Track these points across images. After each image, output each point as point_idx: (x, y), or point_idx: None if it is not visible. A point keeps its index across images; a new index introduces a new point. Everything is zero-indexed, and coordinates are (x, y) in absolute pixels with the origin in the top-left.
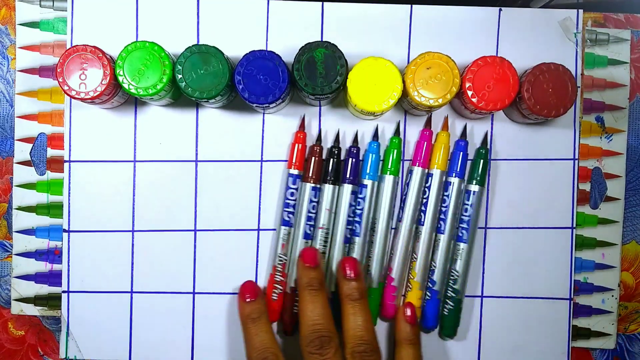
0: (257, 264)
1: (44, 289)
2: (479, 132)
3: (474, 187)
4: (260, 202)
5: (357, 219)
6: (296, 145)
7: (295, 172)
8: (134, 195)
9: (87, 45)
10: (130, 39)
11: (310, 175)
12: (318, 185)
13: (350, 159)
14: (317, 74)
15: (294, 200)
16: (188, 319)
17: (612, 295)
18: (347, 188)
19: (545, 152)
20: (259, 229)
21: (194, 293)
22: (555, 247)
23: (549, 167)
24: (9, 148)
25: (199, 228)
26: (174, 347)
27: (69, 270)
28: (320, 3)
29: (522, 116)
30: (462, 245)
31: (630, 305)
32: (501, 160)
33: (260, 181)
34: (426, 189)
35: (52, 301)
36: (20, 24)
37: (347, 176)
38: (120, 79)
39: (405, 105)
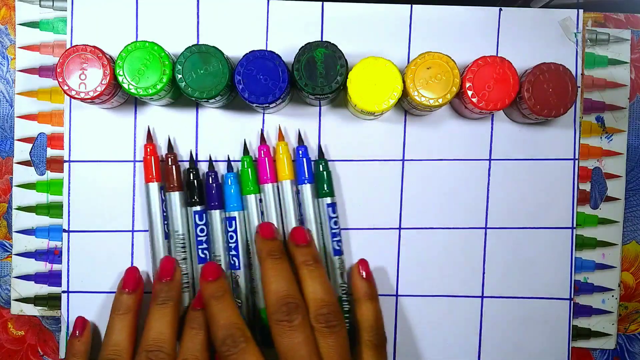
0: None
1: (44, 289)
2: (479, 132)
3: (328, 200)
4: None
5: (233, 252)
6: (149, 158)
7: (156, 184)
8: (134, 195)
9: (87, 45)
10: (130, 39)
11: (173, 185)
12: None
13: (212, 185)
14: (317, 74)
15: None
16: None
17: (612, 296)
18: (215, 214)
19: (546, 152)
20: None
21: (194, 293)
22: (555, 247)
23: (549, 167)
24: (8, 148)
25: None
26: None
27: (68, 271)
28: (320, 3)
29: (523, 116)
30: (341, 258)
31: (631, 305)
32: (501, 160)
33: None
34: (282, 202)
35: (52, 301)
36: (20, 24)
37: (213, 203)
38: (120, 78)
39: (405, 105)
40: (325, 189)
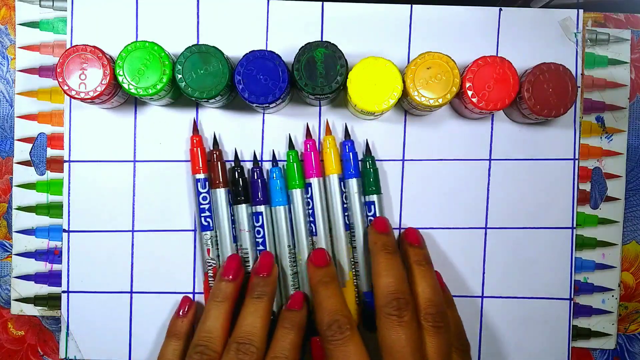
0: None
1: (44, 289)
2: (479, 132)
3: (373, 197)
4: None
5: (260, 247)
6: (195, 149)
7: (202, 175)
8: (134, 195)
9: (87, 45)
10: (130, 39)
11: (219, 181)
12: (227, 188)
13: (257, 181)
14: (317, 74)
15: (208, 204)
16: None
17: (612, 295)
18: (260, 208)
19: (546, 152)
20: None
21: (194, 293)
22: (555, 247)
23: (549, 167)
24: (8, 148)
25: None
26: None
27: (68, 271)
28: (320, 3)
29: (523, 116)
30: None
31: (631, 305)
32: (501, 160)
33: None
34: (329, 196)
35: (52, 301)
36: (20, 24)
37: (258, 198)
38: (120, 78)
39: (405, 105)
40: (373, 186)
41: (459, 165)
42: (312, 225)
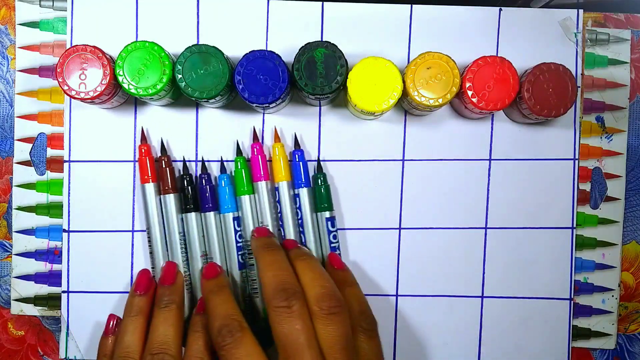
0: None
1: (44, 289)
2: (479, 132)
3: (327, 214)
4: None
5: (243, 251)
6: (145, 159)
7: (152, 185)
8: (133, 196)
9: (87, 45)
10: (130, 39)
11: (168, 187)
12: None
13: (205, 188)
14: (317, 74)
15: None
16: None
17: (612, 296)
18: (210, 216)
19: (546, 152)
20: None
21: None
22: (555, 247)
23: (549, 167)
24: (8, 148)
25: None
26: None
27: (68, 271)
28: (320, 3)
29: (523, 116)
30: None
31: (631, 306)
32: (501, 160)
33: None
34: (277, 204)
35: (52, 301)
36: (20, 24)
37: (208, 205)
38: (120, 78)
39: (405, 105)
40: (325, 203)
41: (459, 165)
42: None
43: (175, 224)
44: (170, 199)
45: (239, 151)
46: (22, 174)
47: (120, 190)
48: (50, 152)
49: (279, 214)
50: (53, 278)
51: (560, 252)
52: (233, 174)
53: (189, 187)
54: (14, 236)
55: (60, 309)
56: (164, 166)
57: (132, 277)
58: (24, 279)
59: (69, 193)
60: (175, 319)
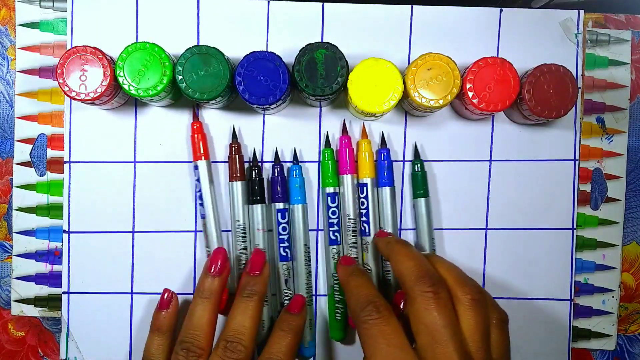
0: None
1: (44, 290)
2: (479, 133)
3: (421, 201)
4: None
5: (285, 244)
6: (196, 136)
7: (204, 162)
8: (134, 196)
9: (87, 46)
10: (130, 40)
11: (236, 174)
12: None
13: (277, 179)
14: (318, 75)
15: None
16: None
17: (613, 296)
18: (276, 206)
19: (546, 153)
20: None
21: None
22: (555, 248)
23: (550, 168)
24: (9, 149)
25: (199, 229)
26: None
27: (69, 271)
28: (321, 4)
29: (523, 117)
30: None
31: (631, 306)
32: (502, 161)
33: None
34: (363, 200)
35: (52, 302)
36: (20, 25)
37: (277, 196)
38: (120, 80)
39: (405, 106)
40: (421, 190)
41: (459, 166)
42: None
43: (240, 210)
44: (238, 186)
45: (327, 143)
46: (23, 174)
47: (120, 191)
48: (51, 153)
49: (365, 211)
50: (53, 279)
51: (561, 253)
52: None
53: (257, 178)
54: (14, 237)
55: (61, 310)
56: (233, 153)
57: (132, 278)
58: (24, 279)
59: (69, 194)
60: (255, 310)
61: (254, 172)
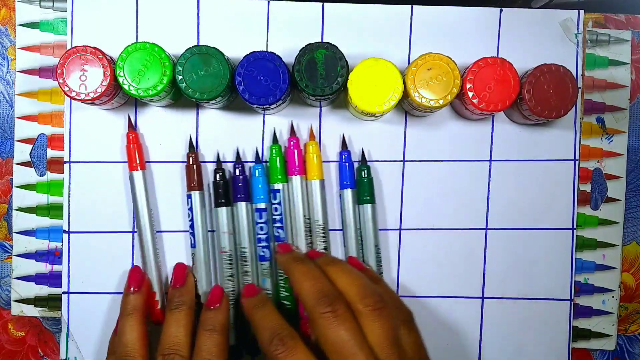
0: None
1: (44, 290)
2: (479, 133)
3: (368, 207)
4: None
5: (263, 244)
6: (131, 146)
7: (140, 172)
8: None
9: (87, 46)
10: (130, 40)
11: (195, 183)
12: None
13: (239, 178)
14: (318, 75)
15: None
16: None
17: (613, 296)
18: (242, 206)
19: (546, 153)
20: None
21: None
22: (555, 248)
23: (550, 168)
24: (9, 149)
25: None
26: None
27: (69, 271)
28: (321, 4)
29: (523, 117)
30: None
31: (631, 306)
32: (502, 161)
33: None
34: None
35: (52, 302)
36: (20, 25)
37: (239, 195)
38: (120, 80)
39: (405, 106)
40: (367, 195)
41: (459, 166)
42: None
43: (199, 218)
44: (196, 195)
45: (275, 139)
46: (23, 174)
47: (120, 191)
48: (51, 153)
49: (311, 212)
50: (53, 279)
51: (561, 253)
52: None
53: (222, 182)
54: (14, 237)
55: (61, 310)
56: (191, 163)
57: None
58: (24, 279)
59: (69, 194)
60: (186, 319)
61: (218, 175)
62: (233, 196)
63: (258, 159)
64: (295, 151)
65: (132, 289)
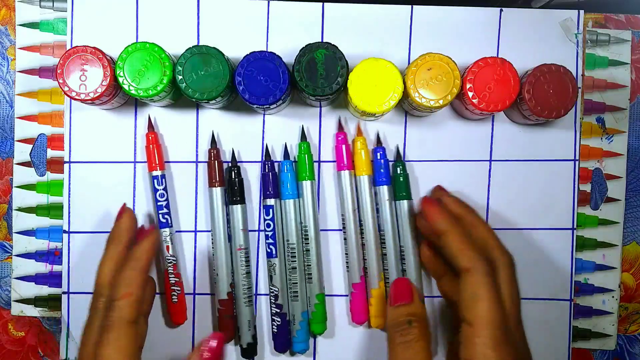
0: (257, 263)
1: (44, 290)
2: (479, 133)
3: (404, 203)
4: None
5: (270, 240)
6: (150, 146)
7: (159, 172)
8: (134, 197)
9: (87, 46)
10: (130, 40)
11: (215, 180)
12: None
13: (269, 175)
14: (318, 75)
15: (166, 201)
16: (189, 319)
17: (613, 296)
18: (270, 202)
19: (546, 153)
20: (258, 231)
21: (194, 294)
22: (555, 248)
23: (550, 168)
24: (9, 149)
25: (200, 229)
26: (174, 348)
27: (69, 272)
28: (321, 4)
29: (523, 117)
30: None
31: (631, 306)
32: (502, 161)
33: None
34: (358, 195)
35: (52, 302)
36: (20, 25)
37: (269, 192)
38: (120, 80)
39: (405, 106)
40: (404, 192)
41: (459, 166)
42: (342, 220)
43: (219, 216)
44: (218, 192)
45: (303, 136)
46: (23, 175)
47: (120, 191)
48: (51, 153)
49: (358, 206)
50: (53, 279)
51: (561, 253)
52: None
53: (237, 180)
54: (14, 237)
55: (61, 310)
56: (212, 159)
57: None
58: (24, 280)
59: (69, 194)
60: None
61: (233, 173)
62: (278, 192)
63: (287, 154)
64: (344, 146)
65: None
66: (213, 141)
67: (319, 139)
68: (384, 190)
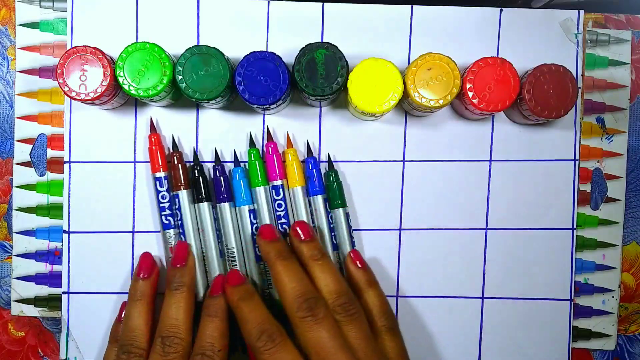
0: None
1: (44, 290)
2: (479, 133)
3: (339, 211)
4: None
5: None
6: (153, 148)
7: (162, 174)
8: (134, 196)
9: (87, 46)
10: (130, 40)
11: (181, 182)
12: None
13: (221, 179)
14: (318, 75)
15: (168, 202)
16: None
17: (613, 296)
18: (226, 207)
19: (546, 153)
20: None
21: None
22: (555, 248)
23: (550, 168)
24: (9, 149)
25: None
26: None
27: (69, 272)
28: (321, 4)
29: (523, 117)
30: None
31: (631, 306)
32: (502, 161)
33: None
34: (292, 206)
35: (52, 302)
36: (20, 25)
37: (222, 196)
38: (120, 80)
39: (405, 106)
40: (339, 200)
41: (459, 166)
42: (284, 226)
43: (188, 216)
44: (184, 194)
45: (252, 143)
46: (23, 175)
47: (120, 191)
48: (51, 153)
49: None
50: (53, 279)
51: (561, 253)
52: (247, 166)
53: (200, 178)
54: (14, 237)
55: (61, 310)
56: (176, 162)
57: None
58: (24, 279)
59: (69, 194)
60: (186, 301)
61: (196, 171)
62: (217, 197)
63: (237, 162)
64: (275, 156)
65: (141, 275)
66: (174, 145)
67: (319, 139)
68: (318, 200)
